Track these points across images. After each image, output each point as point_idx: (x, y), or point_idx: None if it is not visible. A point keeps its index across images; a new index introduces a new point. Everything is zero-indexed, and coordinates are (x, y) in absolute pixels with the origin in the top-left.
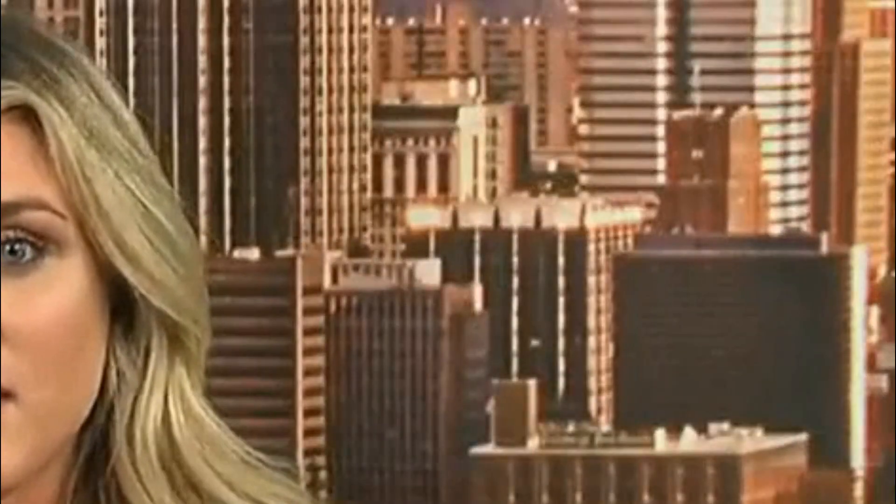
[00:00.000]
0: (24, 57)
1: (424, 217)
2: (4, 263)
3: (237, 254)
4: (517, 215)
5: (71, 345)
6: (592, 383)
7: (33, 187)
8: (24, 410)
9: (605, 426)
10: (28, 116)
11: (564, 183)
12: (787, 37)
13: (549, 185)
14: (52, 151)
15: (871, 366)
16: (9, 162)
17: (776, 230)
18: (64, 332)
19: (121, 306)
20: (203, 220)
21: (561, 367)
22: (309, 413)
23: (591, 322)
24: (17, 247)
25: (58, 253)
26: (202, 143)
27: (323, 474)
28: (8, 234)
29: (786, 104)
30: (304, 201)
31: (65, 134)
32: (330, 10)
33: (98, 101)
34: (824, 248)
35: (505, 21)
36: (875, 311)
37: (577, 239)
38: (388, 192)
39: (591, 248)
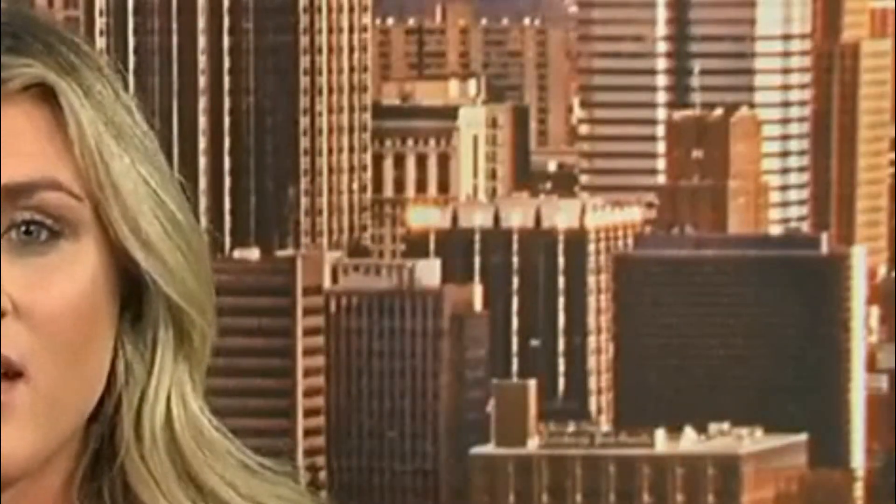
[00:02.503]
0: (42, 41)
1: (424, 217)
2: (20, 243)
3: (237, 254)
4: (517, 215)
5: (83, 328)
6: (592, 383)
7: (50, 168)
8: (35, 392)
9: (605, 426)
10: (46, 97)
11: (564, 183)
12: (787, 37)
13: (549, 185)
14: (71, 132)
15: (871, 366)
16: (26, 142)
17: (776, 230)
18: (77, 314)
19: (130, 297)
20: (203, 220)
21: (561, 367)
22: (309, 413)
23: (591, 322)
24: (32, 227)
25: (73, 235)
26: (202, 143)
27: (323, 474)
28: (24, 214)
29: (786, 104)
30: (304, 201)
31: (84, 116)
32: (330, 10)
33: (113, 92)
34: (824, 248)
35: (505, 21)
36: (875, 311)
37: (577, 239)
38: (388, 192)
39: (591, 248)
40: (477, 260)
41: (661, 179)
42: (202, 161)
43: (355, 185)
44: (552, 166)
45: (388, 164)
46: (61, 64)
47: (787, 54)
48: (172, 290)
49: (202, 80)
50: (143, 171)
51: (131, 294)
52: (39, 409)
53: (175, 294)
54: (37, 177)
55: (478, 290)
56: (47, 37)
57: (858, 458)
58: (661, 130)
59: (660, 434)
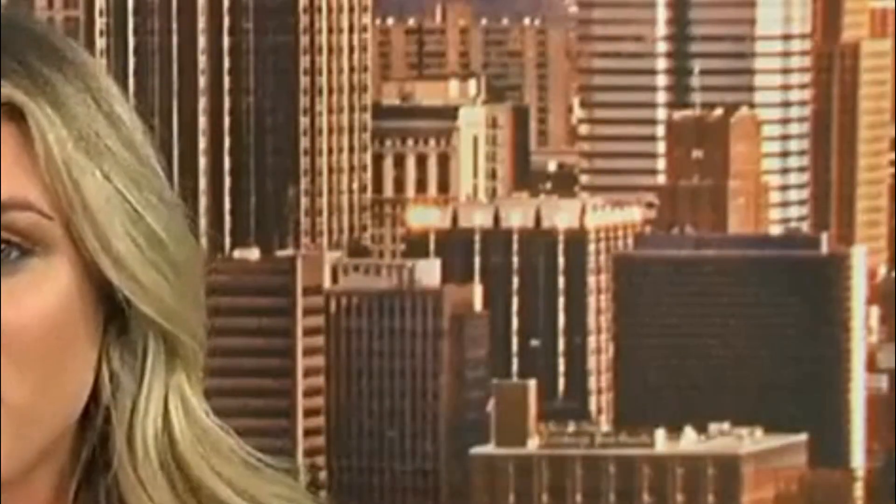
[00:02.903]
0: (18, 58)
1: (424, 217)
2: None
3: (237, 254)
4: (517, 215)
5: (57, 346)
6: (592, 383)
7: (19, 188)
8: (5, 410)
9: (605, 426)
10: (15, 116)
11: (564, 183)
12: (787, 37)
13: (549, 185)
14: (37, 150)
15: (871, 366)
16: None
17: (776, 230)
18: (50, 332)
19: (116, 309)
20: (203, 220)
21: (561, 367)
22: (309, 413)
23: (591, 322)
24: (2, 247)
25: (44, 254)
26: (202, 143)
27: (323, 474)
28: None
29: (786, 104)
30: (304, 201)
31: (51, 134)
32: (330, 10)
33: (95, 105)
34: (824, 248)
35: (505, 21)
36: (875, 311)
37: (577, 239)
38: (388, 192)
39: (591, 248)
40: (477, 260)
41: (661, 179)
42: (202, 161)
43: (355, 185)
44: (552, 166)
45: (388, 164)
46: (35, 82)
47: (787, 54)
48: (149, 308)
49: (202, 80)
50: (119, 185)
51: (116, 307)
52: (10, 424)
53: (152, 311)
54: (6, 197)
55: (478, 290)
56: (27, 53)
57: (858, 458)
58: (661, 130)
59: (660, 434)
